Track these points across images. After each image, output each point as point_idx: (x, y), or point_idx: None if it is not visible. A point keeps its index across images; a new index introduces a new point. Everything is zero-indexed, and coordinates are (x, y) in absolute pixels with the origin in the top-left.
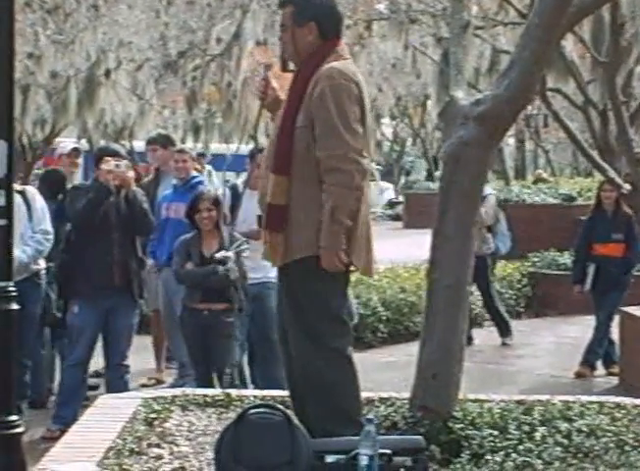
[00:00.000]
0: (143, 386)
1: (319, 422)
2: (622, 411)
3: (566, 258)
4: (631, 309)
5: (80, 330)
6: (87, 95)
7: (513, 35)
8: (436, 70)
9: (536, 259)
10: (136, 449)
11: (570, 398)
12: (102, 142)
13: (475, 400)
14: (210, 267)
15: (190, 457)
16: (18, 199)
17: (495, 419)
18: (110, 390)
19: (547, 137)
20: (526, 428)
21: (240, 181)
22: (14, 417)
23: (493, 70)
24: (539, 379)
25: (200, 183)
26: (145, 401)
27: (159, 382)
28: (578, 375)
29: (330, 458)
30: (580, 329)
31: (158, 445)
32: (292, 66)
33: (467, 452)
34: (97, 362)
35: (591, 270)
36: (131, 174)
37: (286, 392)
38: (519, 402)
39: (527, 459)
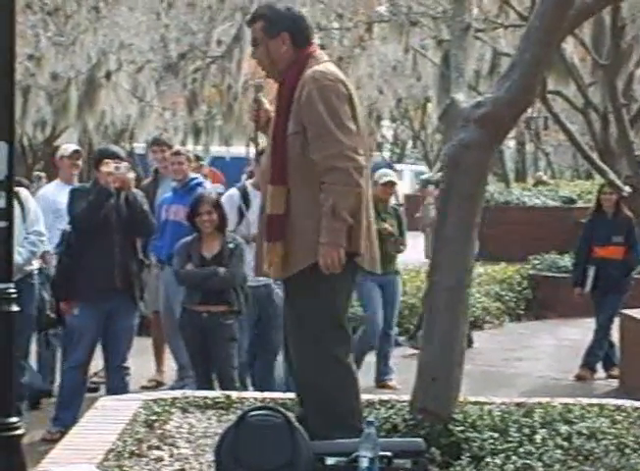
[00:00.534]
0: (143, 388)
1: (318, 428)
2: (623, 414)
3: (567, 261)
4: (631, 312)
5: (80, 332)
6: (88, 97)
7: (514, 38)
8: (436, 72)
9: (536, 262)
10: (137, 451)
11: (571, 401)
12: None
13: (475, 403)
14: (211, 268)
15: (191, 459)
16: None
17: (495, 421)
18: (110, 392)
19: (547, 140)
20: (526, 430)
21: (248, 182)
22: (14, 419)
23: (493, 72)
24: (539, 381)
25: (199, 184)
26: (145, 403)
27: (159, 384)
28: (578, 377)
29: (330, 460)
30: (580, 331)
31: (158, 448)
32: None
33: (467, 455)
34: (97, 364)
35: (591, 272)
36: (131, 176)
37: (286, 395)
38: (520, 405)
39: (527, 462)
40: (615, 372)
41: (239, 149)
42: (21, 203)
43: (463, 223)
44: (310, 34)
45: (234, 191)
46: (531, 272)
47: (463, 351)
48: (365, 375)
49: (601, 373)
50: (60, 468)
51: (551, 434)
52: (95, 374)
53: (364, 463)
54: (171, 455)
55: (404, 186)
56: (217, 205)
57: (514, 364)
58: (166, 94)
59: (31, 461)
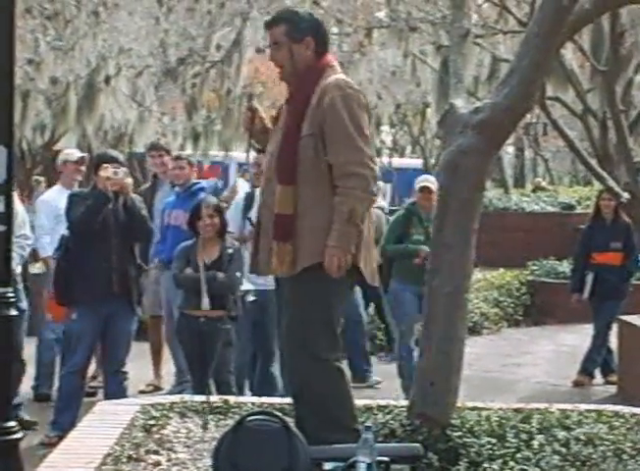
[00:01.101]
0: (141, 392)
1: (314, 430)
2: (620, 420)
3: (565, 267)
4: (629, 318)
5: (78, 336)
6: (87, 101)
7: (513, 44)
8: (435, 78)
9: (535, 267)
10: (134, 456)
11: (568, 407)
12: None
13: (473, 408)
14: (210, 273)
15: (188, 464)
16: None
17: (493, 427)
18: (108, 396)
19: (546, 146)
20: (524, 436)
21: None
22: (12, 423)
23: (492, 78)
24: (537, 387)
25: (202, 189)
26: (143, 408)
27: (157, 388)
28: (576, 383)
29: (328, 466)
30: (579, 337)
31: (156, 452)
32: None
33: (465, 460)
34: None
35: (589, 278)
36: (129, 180)
37: (284, 400)
38: (517, 410)
39: (525, 468)
40: (613, 378)
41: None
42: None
43: (462, 228)
44: (328, 41)
45: (240, 197)
46: (529, 278)
47: (462, 357)
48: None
49: (599, 379)
50: None
51: (548, 439)
52: (94, 378)
53: (362, 468)
54: (169, 460)
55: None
56: (218, 210)
57: (512, 370)
58: (165, 99)
59: (29, 465)
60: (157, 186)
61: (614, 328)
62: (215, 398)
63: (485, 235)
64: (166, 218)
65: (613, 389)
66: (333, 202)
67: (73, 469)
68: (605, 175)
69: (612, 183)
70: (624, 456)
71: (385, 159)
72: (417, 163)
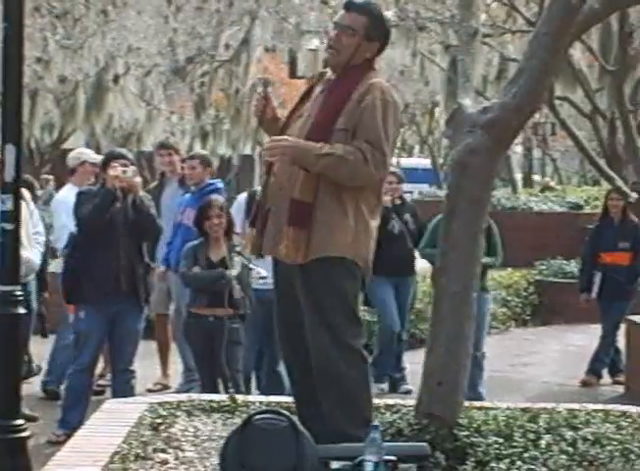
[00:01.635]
0: (149, 391)
1: (333, 420)
2: (628, 420)
3: (573, 266)
4: (637, 318)
5: (86, 335)
6: (96, 100)
7: (521, 43)
8: (444, 77)
9: (543, 267)
10: (142, 454)
11: (576, 406)
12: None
13: (480, 408)
14: (218, 271)
15: (196, 463)
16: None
17: (500, 427)
18: (116, 394)
19: (554, 146)
20: (531, 436)
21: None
22: (19, 421)
23: (501, 77)
24: (545, 387)
25: (216, 190)
26: (151, 406)
27: (165, 387)
28: (584, 383)
29: (335, 464)
30: (586, 337)
31: (164, 451)
32: (300, 72)
33: (472, 460)
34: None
35: (597, 278)
36: (138, 179)
37: (291, 399)
38: (525, 410)
39: (532, 467)
40: (621, 378)
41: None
42: (26, 202)
43: (470, 227)
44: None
45: (243, 196)
46: (537, 277)
47: (469, 356)
48: None
49: (606, 379)
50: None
51: (556, 439)
52: (102, 376)
53: (369, 467)
54: (176, 458)
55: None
56: (225, 209)
57: (520, 369)
58: (173, 98)
59: (37, 463)
60: (165, 185)
61: (622, 328)
62: (223, 397)
63: None
64: (179, 216)
65: (620, 389)
66: (350, 198)
67: (80, 467)
68: (613, 174)
69: (620, 182)
70: (632, 456)
71: (393, 159)
72: (425, 162)
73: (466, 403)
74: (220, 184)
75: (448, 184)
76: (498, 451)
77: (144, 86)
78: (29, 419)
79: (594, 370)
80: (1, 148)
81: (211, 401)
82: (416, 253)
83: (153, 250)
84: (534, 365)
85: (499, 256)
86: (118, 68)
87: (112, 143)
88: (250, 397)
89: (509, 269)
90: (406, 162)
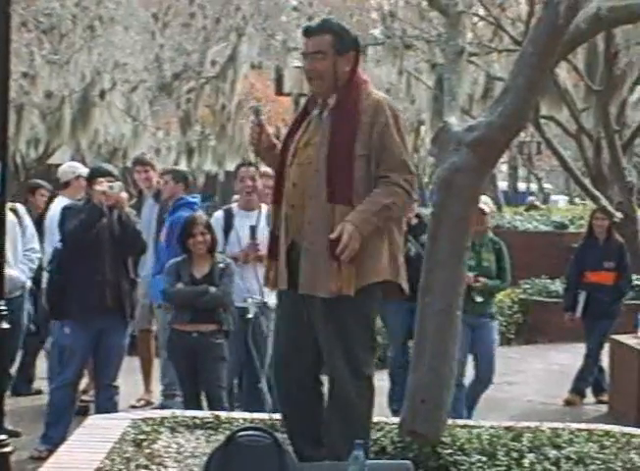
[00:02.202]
0: (132, 407)
1: (334, 444)
2: (611, 439)
3: (558, 285)
4: (621, 337)
5: (71, 350)
6: (82, 116)
7: (508, 62)
8: (430, 95)
9: (527, 286)
10: (124, 470)
11: (559, 426)
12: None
13: (464, 426)
14: (202, 287)
15: None
16: (11, 217)
17: (483, 445)
18: (99, 410)
19: (540, 165)
20: (515, 454)
21: (234, 204)
22: (2, 436)
23: (487, 96)
24: (528, 406)
25: (188, 204)
26: (134, 422)
27: (148, 403)
28: (568, 402)
29: None
30: (570, 356)
31: (146, 467)
32: (286, 89)
33: None
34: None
35: (582, 297)
36: (124, 195)
37: (274, 416)
38: (508, 429)
39: None
40: (605, 397)
41: None
42: (19, 219)
43: (455, 246)
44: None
45: (219, 213)
46: (522, 296)
47: (453, 374)
48: None
49: (590, 398)
50: None
51: (539, 458)
52: (84, 392)
53: None
54: None
55: None
56: (209, 226)
57: (504, 388)
58: (159, 114)
59: None
60: (143, 201)
61: (606, 347)
62: (206, 413)
63: None
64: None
65: (604, 408)
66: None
67: None
68: (598, 194)
69: (605, 202)
70: None
71: None
72: None
73: (450, 421)
74: (193, 199)
75: (433, 203)
76: (481, 470)
77: (130, 102)
78: (12, 434)
79: (578, 389)
80: None
81: (194, 418)
82: None
83: (136, 265)
84: (518, 384)
85: (507, 281)
86: (104, 83)
87: (97, 159)
88: (234, 414)
89: None
90: None
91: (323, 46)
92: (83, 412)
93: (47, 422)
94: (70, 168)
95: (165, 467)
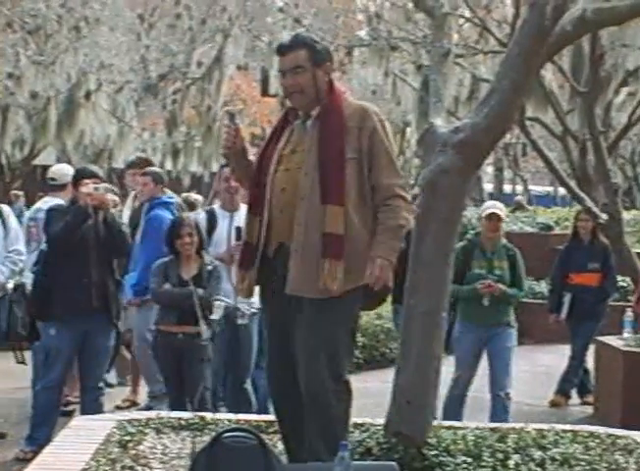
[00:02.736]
0: (118, 408)
1: (313, 447)
2: (596, 440)
3: (543, 287)
4: (606, 339)
5: (56, 352)
6: (67, 116)
7: (493, 64)
8: (416, 97)
9: None
10: None
11: (545, 427)
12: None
13: (449, 427)
14: (189, 288)
15: None
16: None
17: (469, 446)
18: (84, 411)
19: (525, 166)
20: (500, 456)
21: (216, 206)
22: None
23: (472, 98)
24: (514, 407)
25: (164, 204)
26: (120, 424)
27: (133, 404)
28: (553, 404)
29: None
30: (556, 358)
31: (132, 468)
32: (272, 90)
33: None
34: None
35: (567, 299)
36: (109, 196)
37: (260, 417)
38: (494, 430)
39: None
40: (590, 399)
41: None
42: (3, 220)
43: (440, 247)
44: None
45: (202, 215)
46: None
47: (438, 375)
48: None
49: (575, 399)
50: None
51: (524, 459)
52: (67, 397)
53: None
54: None
55: None
56: (196, 227)
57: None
58: (145, 115)
59: None
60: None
61: (591, 349)
62: (191, 415)
63: None
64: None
65: (589, 409)
66: (372, 224)
67: None
68: (583, 195)
69: (590, 203)
70: None
71: None
72: None
73: (435, 423)
74: (170, 199)
75: (418, 204)
76: None
77: (116, 103)
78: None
79: (563, 390)
80: None
81: (180, 419)
82: None
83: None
84: None
85: (524, 290)
86: (90, 84)
87: (83, 160)
88: (219, 415)
89: None
90: None
91: (300, 60)
92: (69, 414)
93: (32, 423)
94: (66, 170)
95: (150, 468)
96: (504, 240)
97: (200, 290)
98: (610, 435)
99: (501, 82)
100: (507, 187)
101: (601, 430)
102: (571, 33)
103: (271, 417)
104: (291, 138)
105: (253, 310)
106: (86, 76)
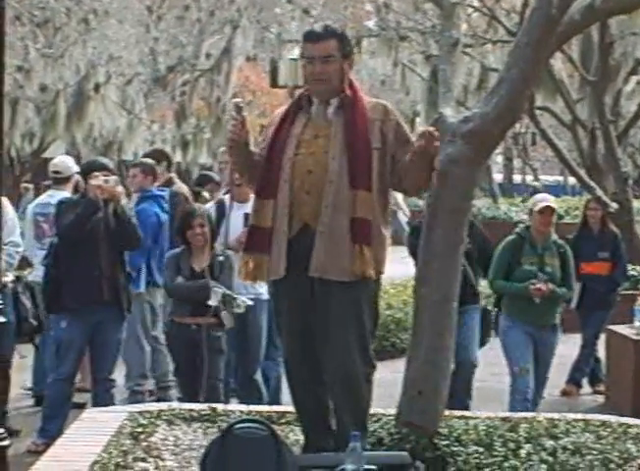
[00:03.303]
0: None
1: (343, 427)
2: (608, 429)
3: None
4: (617, 327)
5: (67, 344)
6: (76, 109)
7: (502, 53)
8: (425, 87)
9: None
10: (122, 464)
11: (556, 416)
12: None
13: (461, 417)
14: (202, 281)
15: None
16: None
17: (480, 436)
18: (96, 404)
19: (535, 156)
20: (512, 445)
21: (226, 196)
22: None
23: (481, 87)
24: None
25: (152, 197)
26: (131, 415)
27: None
28: (564, 393)
29: None
30: (567, 347)
31: (144, 460)
32: (281, 81)
33: (452, 469)
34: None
35: (577, 288)
36: (120, 188)
37: (272, 408)
38: (505, 419)
39: None
40: (601, 388)
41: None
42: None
43: (450, 237)
44: None
45: (211, 206)
46: None
47: (449, 365)
48: None
49: (586, 388)
50: None
51: (536, 448)
52: (78, 389)
53: None
54: (156, 468)
55: None
56: (208, 218)
57: (500, 379)
58: (154, 107)
59: None
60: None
61: (602, 338)
62: (203, 406)
63: None
64: None
65: (600, 398)
66: (387, 212)
67: None
68: (593, 184)
69: (600, 192)
70: (611, 466)
71: None
72: None
73: (446, 412)
74: (160, 192)
75: (428, 194)
76: (478, 461)
77: (125, 95)
78: (12, 433)
79: (574, 380)
80: None
81: (191, 410)
82: (483, 283)
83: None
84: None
85: (572, 289)
86: (99, 77)
87: (92, 152)
88: (230, 406)
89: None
90: None
91: (331, 50)
92: (81, 406)
93: (44, 416)
94: (72, 163)
95: (162, 460)
96: (554, 236)
97: (213, 283)
98: (621, 424)
99: (510, 72)
100: (517, 177)
101: (612, 419)
102: (580, 22)
103: (282, 408)
104: (308, 124)
105: (251, 300)
106: (95, 68)
